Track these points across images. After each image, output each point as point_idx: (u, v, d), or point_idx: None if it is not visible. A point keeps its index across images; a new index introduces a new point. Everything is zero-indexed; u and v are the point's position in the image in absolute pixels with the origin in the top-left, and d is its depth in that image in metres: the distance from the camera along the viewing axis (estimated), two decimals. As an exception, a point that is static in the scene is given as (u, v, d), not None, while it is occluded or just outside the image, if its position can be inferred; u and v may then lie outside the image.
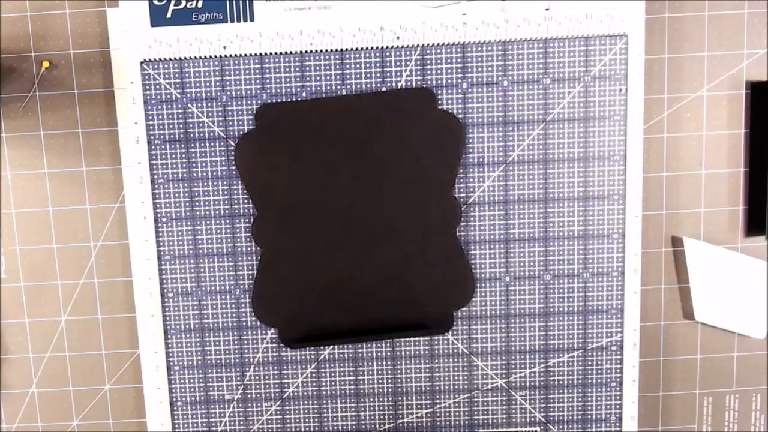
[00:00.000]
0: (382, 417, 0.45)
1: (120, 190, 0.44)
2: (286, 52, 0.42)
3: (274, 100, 0.42)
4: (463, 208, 0.43)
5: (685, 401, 0.46)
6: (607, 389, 0.44)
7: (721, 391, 0.46)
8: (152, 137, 0.42)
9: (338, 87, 0.42)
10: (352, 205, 0.42)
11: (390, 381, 0.45)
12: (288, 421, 0.45)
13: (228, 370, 0.44)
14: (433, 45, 0.41)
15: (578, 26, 0.41)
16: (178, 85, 0.42)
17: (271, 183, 0.42)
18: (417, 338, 0.44)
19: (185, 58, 0.41)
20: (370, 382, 0.45)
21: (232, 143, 0.42)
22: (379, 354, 0.44)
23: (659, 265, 0.44)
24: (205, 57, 0.41)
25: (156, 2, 0.41)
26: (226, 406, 0.45)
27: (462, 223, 0.43)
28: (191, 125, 0.42)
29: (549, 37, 0.41)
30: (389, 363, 0.44)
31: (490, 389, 0.45)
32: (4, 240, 0.44)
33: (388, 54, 0.41)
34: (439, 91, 0.42)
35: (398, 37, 0.41)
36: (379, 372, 0.44)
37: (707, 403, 0.46)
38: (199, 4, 0.41)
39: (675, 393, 0.45)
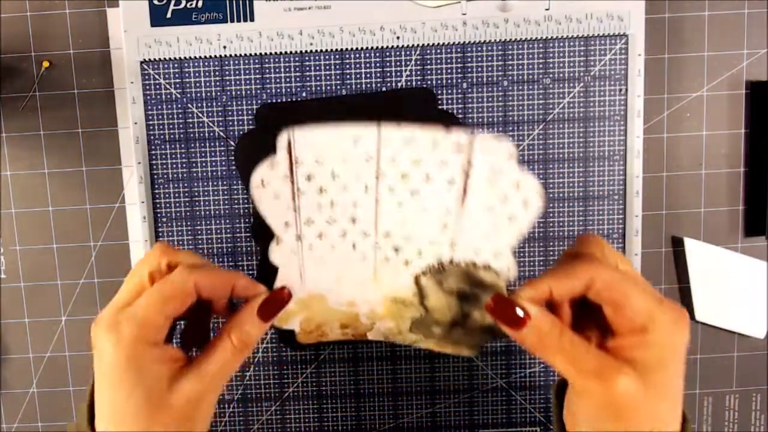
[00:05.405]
0: (382, 417, 0.45)
1: (120, 190, 0.44)
2: (286, 52, 0.42)
3: (274, 100, 0.42)
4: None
5: (685, 401, 0.45)
6: (607, 389, 0.44)
7: (721, 391, 0.46)
8: (152, 137, 0.42)
9: (338, 87, 0.42)
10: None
11: (390, 381, 0.45)
12: (288, 421, 0.45)
13: (228, 370, 0.44)
14: (433, 45, 0.41)
15: (578, 26, 0.41)
16: (178, 85, 0.42)
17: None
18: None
19: (185, 58, 0.41)
20: (370, 382, 0.45)
21: (232, 143, 0.42)
22: (379, 354, 0.44)
23: (659, 265, 0.45)
24: (205, 57, 0.41)
25: (156, 2, 0.41)
26: (226, 406, 0.45)
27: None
28: (191, 125, 0.42)
29: (549, 37, 0.41)
30: (389, 363, 0.44)
31: (490, 389, 0.45)
32: (4, 240, 0.44)
33: (388, 54, 0.41)
34: (439, 91, 0.42)
35: (398, 37, 0.41)
36: (379, 372, 0.44)
37: (707, 403, 0.46)
38: (199, 4, 0.41)
39: (675, 393, 0.45)
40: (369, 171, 0.34)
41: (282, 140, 0.34)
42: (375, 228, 0.34)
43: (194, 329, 0.33)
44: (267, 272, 0.43)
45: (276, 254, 0.34)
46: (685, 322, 0.29)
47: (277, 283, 0.34)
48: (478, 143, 0.32)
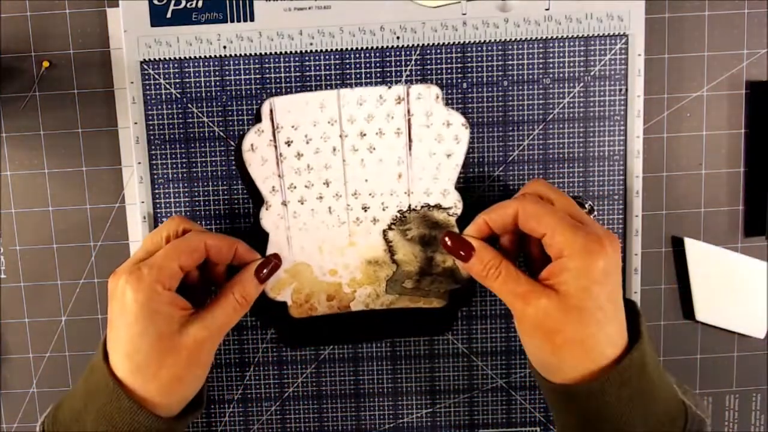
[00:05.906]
0: (382, 417, 0.45)
1: (120, 190, 0.44)
2: (286, 52, 0.42)
3: (274, 100, 0.42)
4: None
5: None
6: (607, 389, 0.44)
7: (721, 391, 0.46)
8: (152, 137, 0.42)
9: (338, 87, 0.42)
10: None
11: (390, 381, 0.45)
12: (288, 421, 0.45)
13: (228, 370, 0.44)
14: (433, 45, 0.41)
15: (578, 26, 0.41)
16: (178, 85, 0.42)
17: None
18: (417, 338, 0.44)
19: (185, 58, 0.41)
20: (370, 382, 0.45)
21: (232, 143, 0.42)
22: (379, 354, 0.44)
23: (659, 265, 0.45)
24: (205, 57, 0.41)
25: (156, 2, 0.41)
26: (226, 406, 0.45)
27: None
28: (191, 125, 0.42)
29: (549, 37, 0.41)
30: (389, 363, 0.44)
31: (490, 389, 0.45)
32: (4, 240, 0.44)
33: (388, 54, 0.41)
34: (439, 91, 0.42)
35: (398, 37, 0.41)
36: (379, 372, 0.44)
37: (707, 403, 0.46)
38: (199, 4, 0.41)
39: (675, 393, 0.45)
40: (334, 132, 0.41)
41: (265, 108, 0.41)
42: (345, 188, 0.41)
43: (198, 294, 0.38)
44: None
45: (265, 219, 0.41)
46: (599, 250, 0.31)
47: (269, 251, 0.41)
48: (413, 91, 0.40)
